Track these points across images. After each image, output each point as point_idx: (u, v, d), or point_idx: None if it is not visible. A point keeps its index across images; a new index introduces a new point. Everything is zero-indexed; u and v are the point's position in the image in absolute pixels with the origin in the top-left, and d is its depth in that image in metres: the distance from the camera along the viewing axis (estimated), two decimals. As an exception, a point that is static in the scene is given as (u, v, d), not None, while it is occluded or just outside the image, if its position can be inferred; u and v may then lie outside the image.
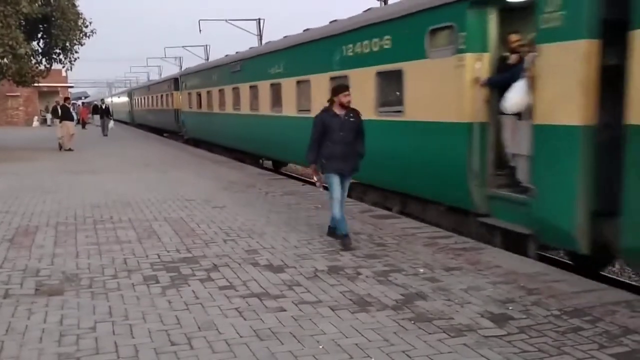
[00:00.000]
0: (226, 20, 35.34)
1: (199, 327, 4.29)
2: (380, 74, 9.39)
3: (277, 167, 17.48)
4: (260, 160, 18.01)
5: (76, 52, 22.66)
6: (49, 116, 43.47)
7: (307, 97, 12.06)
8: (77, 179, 13.01)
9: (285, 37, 14.87)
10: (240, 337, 4.11)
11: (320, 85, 11.28)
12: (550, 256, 7.64)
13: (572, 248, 6.21)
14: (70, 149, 20.79)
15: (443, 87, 7.80)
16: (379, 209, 9.29)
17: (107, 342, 4.03)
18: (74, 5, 21.93)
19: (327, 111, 6.79)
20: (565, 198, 5.98)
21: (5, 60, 19.24)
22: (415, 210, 8.98)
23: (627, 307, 4.63)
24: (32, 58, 21.51)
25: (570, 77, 5.85)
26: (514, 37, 7.22)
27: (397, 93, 8.95)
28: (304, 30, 12.68)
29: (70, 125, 21.82)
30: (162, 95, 31.86)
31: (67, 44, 22.01)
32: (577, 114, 5.80)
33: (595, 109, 5.72)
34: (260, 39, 35.34)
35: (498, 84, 7.16)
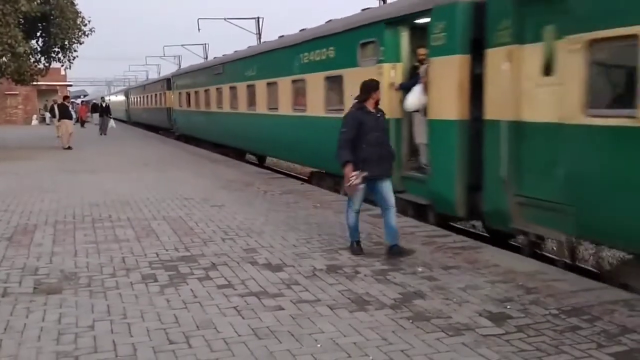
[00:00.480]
0: (225, 19, 35.36)
1: (197, 326, 4.29)
2: (327, 78, 11.07)
3: (260, 161, 18.79)
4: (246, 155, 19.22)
5: (75, 50, 22.61)
6: (47, 115, 43.55)
7: (275, 97, 13.84)
8: (76, 177, 13.00)
9: (267, 42, 16.71)
10: (239, 335, 4.11)
11: (285, 87, 13.25)
12: (546, 255, 7.66)
13: (454, 214, 7.92)
14: (69, 148, 20.77)
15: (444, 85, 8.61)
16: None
17: (106, 340, 4.03)
18: (72, 4, 21.88)
19: (360, 108, 6.17)
20: (448, 176, 7.77)
21: (4, 58, 19.21)
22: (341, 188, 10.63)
23: (626, 306, 4.63)
24: (31, 56, 21.45)
25: (450, 83, 7.65)
26: (421, 51, 8.71)
27: (339, 94, 10.56)
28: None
29: (69, 123, 21.81)
30: (155, 95, 33.57)
31: (66, 43, 21.95)
32: (454, 111, 7.63)
33: (467, 108, 7.51)
34: (259, 38, 35.36)
35: (407, 88, 8.71)
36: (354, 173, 6.02)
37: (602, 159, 5.52)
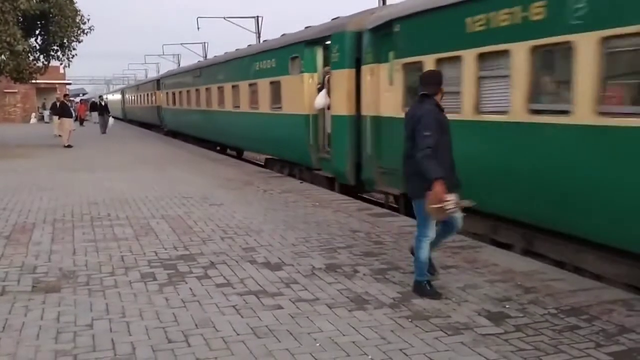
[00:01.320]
0: (224, 18, 35.32)
1: (196, 325, 4.29)
2: (271, 83, 14.09)
3: (239, 154, 20.89)
4: (218, 148, 21.43)
5: (74, 48, 22.59)
6: (46, 113, 43.56)
7: (238, 97, 16.95)
8: (75, 176, 12.99)
9: (232, 52, 19.40)
10: (237, 334, 4.11)
11: (244, 89, 16.28)
12: (542, 254, 7.65)
13: (347, 182, 10.79)
14: (69, 146, 20.76)
15: (296, 94, 12.37)
16: (376, 207, 9.30)
17: (104, 339, 4.03)
18: (72, 2, 21.85)
19: (436, 105, 4.93)
20: (343, 156, 10.59)
21: (2, 56, 19.20)
22: (293, 171, 13.56)
23: (624, 306, 4.64)
24: (29, 54, 21.44)
25: (342, 89, 10.50)
26: (326, 68, 11.50)
27: (279, 96, 13.57)
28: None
29: (68, 122, 21.80)
30: (147, 94, 36.26)
31: (65, 41, 21.93)
32: (345, 109, 10.46)
33: (354, 107, 10.30)
34: (259, 37, 35.33)
35: (328, 94, 11.26)
36: (450, 197, 4.64)
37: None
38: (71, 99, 35.47)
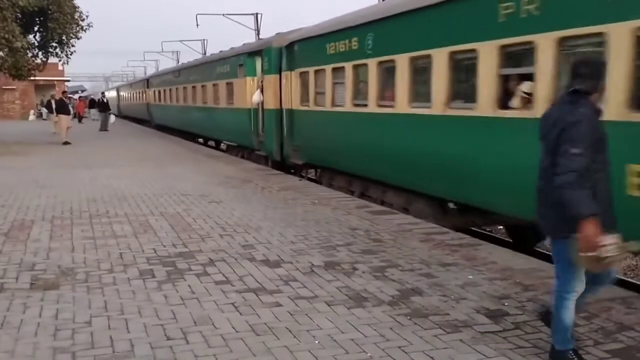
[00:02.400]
0: (224, 15, 35.24)
1: (194, 322, 4.28)
2: (227, 84, 18.08)
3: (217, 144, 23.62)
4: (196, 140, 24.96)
5: (73, 45, 22.59)
6: (44, 110, 43.50)
7: (205, 95, 20.90)
8: (74, 173, 12.97)
9: (200, 58, 26.97)
10: (236, 332, 4.11)
11: (210, 89, 20.31)
12: (542, 251, 7.67)
13: (275, 159, 14.11)
14: (67, 143, 20.74)
15: (243, 93, 16.19)
16: (374, 205, 9.29)
17: (103, 336, 4.03)
18: (70, -1, 21.84)
19: (594, 109, 3.50)
20: (271, 139, 14.01)
21: (1, 53, 19.15)
22: (240, 153, 17.57)
23: (623, 304, 4.64)
24: (28, 51, 21.41)
25: (271, 89, 14.00)
26: (260, 76, 15.21)
27: (232, 94, 17.51)
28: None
29: (66, 119, 21.77)
30: (139, 92, 40.53)
31: (64, 38, 21.91)
32: (273, 105, 13.94)
33: (278, 103, 13.74)
34: (258, 34, 35.27)
35: (261, 92, 14.74)
36: (609, 239, 3.26)
37: (306, 127, 12.48)
38: (70, 95, 35.41)
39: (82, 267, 5.70)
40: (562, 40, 5.91)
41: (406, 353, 3.78)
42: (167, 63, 65.23)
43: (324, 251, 6.27)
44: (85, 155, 17.02)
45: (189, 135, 24.83)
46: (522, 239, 8.58)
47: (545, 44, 6.04)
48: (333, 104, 11.05)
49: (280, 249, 6.38)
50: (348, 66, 10.31)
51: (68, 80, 53.03)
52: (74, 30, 22.03)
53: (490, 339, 4.00)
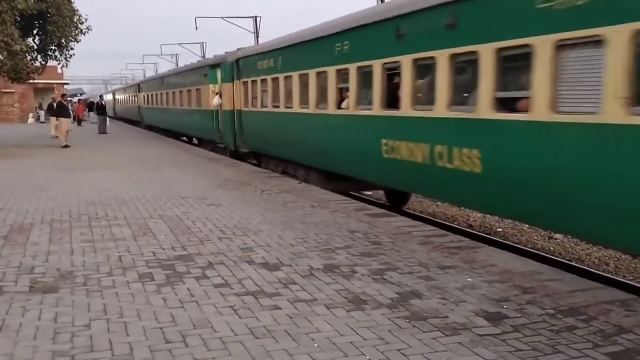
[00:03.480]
0: (223, 18, 35.29)
1: (193, 325, 4.28)
2: (197, 89, 21.84)
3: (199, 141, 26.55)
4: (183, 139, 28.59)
5: (72, 48, 22.60)
6: (42, 113, 43.53)
7: (182, 99, 24.98)
8: (73, 176, 12.97)
9: (175, 68, 34.78)
10: (235, 335, 4.11)
11: (185, 93, 24.29)
12: (541, 254, 7.69)
13: (230, 149, 17.54)
14: (66, 146, 20.74)
15: (207, 97, 19.82)
16: (373, 207, 9.30)
17: (102, 339, 4.02)
18: (69, 2, 21.84)
19: None
20: (228, 134, 17.54)
21: (0, 56, 19.13)
22: (207, 145, 21.12)
23: (622, 306, 4.64)
24: (27, 54, 21.40)
25: (227, 94, 17.56)
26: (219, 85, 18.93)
27: (200, 98, 21.25)
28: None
29: (66, 122, 21.77)
30: (131, 95, 44.49)
31: (63, 41, 21.92)
32: (229, 106, 17.38)
33: (233, 105, 17.04)
34: (257, 37, 35.30)
35: (220, 97, 18.39)
36: None
37: (248, 124, 15.90)
38: (69, 98, 35.51)
39: (81, 270, 5.70)
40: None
41: (405, 356, 3.78)
42: (167, 66, 65.35)
43: (323, 254, 6.27)
44: (84, 158, 17.02)
45: (173, 134, 28.43)
46: (395, 201, 12.26)
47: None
48: (261, 106, 14.96)
49: (279, 251, 6.38)
50: (269, 78, 14.21)
51: (67, 83, 53.02)
52: (73, 34, 22.04)
53: (490, 341, 4.00)
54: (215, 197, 9.93)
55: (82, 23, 22.43)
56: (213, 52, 29.05)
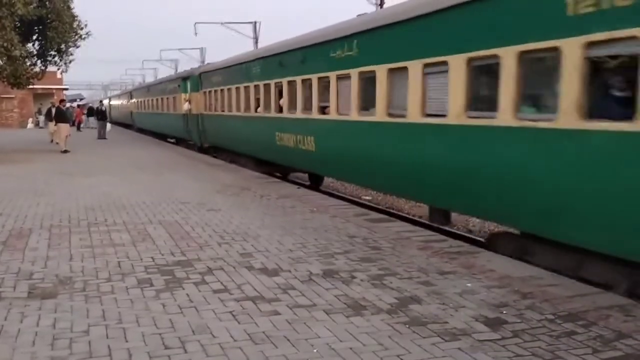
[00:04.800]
0: (222, 23, 35.38)
1: (193, 331, 4.28)
2: (173, 97, 26.13)
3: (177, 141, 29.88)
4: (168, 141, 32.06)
5: (71, 54, 22.66)
6: (41, 118, 43.56)
7: (162, 105, 29.39)
8: (72, 181, 12.97)
9: (158, 79, 42.56)
10: (234, 340, 4.10)
11: (164, 100, 28.76)
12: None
13: (197, 145, 22.60)
14: (66, 151, 20.75)
15: (180, 103, 24.21)
16: (373, 213, 9.29)
17: (101, 345, 4.02)
18: (69, 8, 21.91)
19: None
20: (196, 133, 22.27)
21: (0, 61, 19.16)
22: (184, 143, 25.31)
23: (621, 312, 4.64)
24: (27, 60, 21.44)
25: (195, 101, 22.27)
26: (187, 94, 23.73)
27: (175, 105, 25.78)
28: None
29: (65, 127, 21.79)
30: (125, 101, 49.75)
31: (62, 46, 21.97)
32: (196, 110, 21.97)
33: (198, 110, 21.82)
34: (256, 42, 35.38)
35: (189, 103, 23.18)
36: None
37: (207, 124, 20.67)
38: (68, 104, 35.67)
39: (80, 275, 5.69)
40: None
41: (405, 362, 3.78)
42: (166, 71, 65.44)
43: (323, 259, 6.26)
44: (83, 163, 17.02)
45: (158, 135, 32.31)
46: (315, 182, 15.02)
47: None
48: (215, 111, 19.58)
49: (278, 257, 6.37)
50: (219, 90, 19.02)
51: (66, 89, 53.12)
52: (73, 39, 22.10)
53: (489, 347, 4.00)
54: (214, 202, 9.93)
55: (81, 29, 22.50)
56: (213, 57, 30.92)
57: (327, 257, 6.37)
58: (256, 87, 15.05)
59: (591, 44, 5.35)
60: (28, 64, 21.87)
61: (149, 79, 64.03)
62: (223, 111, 18.37)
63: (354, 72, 9.91)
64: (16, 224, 8.21)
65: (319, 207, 9.58)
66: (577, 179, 5.66)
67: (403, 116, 8.47)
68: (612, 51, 5.29)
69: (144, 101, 36.56)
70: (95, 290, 5.24)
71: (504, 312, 4.66)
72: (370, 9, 23.16)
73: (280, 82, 13.25)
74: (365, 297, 5.02)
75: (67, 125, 22.51)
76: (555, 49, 5.73)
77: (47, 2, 21.03)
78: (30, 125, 46.46)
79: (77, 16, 22.36)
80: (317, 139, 11.51)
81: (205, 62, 42.68)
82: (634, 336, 4.16)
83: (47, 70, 23.99)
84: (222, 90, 18.51)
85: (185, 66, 42.48)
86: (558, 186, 5.86)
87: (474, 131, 7.04)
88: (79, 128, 38.83)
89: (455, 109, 7.28)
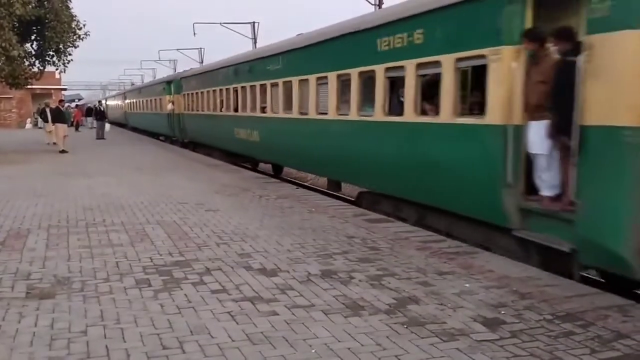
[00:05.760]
0: (221, 24, 35.39)
1: (191, 331, 4.27)
2: (160, 99, 29.72)
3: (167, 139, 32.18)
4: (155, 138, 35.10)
5: (70, 54, 22.58)
6: (39, 118, 43.47)
7: (150, 105, 33.03)
8: (70, 181, 12.95)
9: (144, 82, 52.69)
10: (233, 341, 4.10)
11: (152, 101, 32.58)
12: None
13: (179, 140, 26.32)
14: (64, 151, 20.72)
15: (165, 104, 27.98)
16: (371, 213, 9.29)
17: (99, 346, 4.01)
18: (67, 7, 21.86)
19: None
20: (178, 130, 26.17)
21: (-2, 62, 19.13)
22: (169, 139, 28.74)
23: (619, 312, 4.65)
24: (25, 60, 21.40)
25: (177, 102, 26.11)
26: (171, 97, 27.66)
27: (161, 106, 29.52)
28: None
29: (62, 127, 21.76)
30: (120, 102, 53.45)
31: (61, 46, 21.91)
32: (178, 110, 25.81)
33: (181, 109, 25.35)
34: (255, 42, 35.39)
35: (173, 104, 27.05)
36: None
37: (186, 122, 24.49)
38: (67, 104, 35.65)
39: (78, 276, 5.68)
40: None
41: (403, 362, 3.78)
42: (165, 71, 65.47)
43: (321, 260, 6.26)
44: (81, 164, 17.01)
45: (148, 134, 35.04)
46: (275, 171, 18.13)
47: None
48: (191, 110, 23.35)
49: (277, 257, 6.37)
50: (192, 92, 22.91)
51: (65, 89, 53.06)
52: (71, 39, 22.04)
53: (487, 347, 4.00)
54: (213, 203, 9.92)
55: (80, 29, 22.44)
56: (211, 57, 31.58)
57: (325, 257, 6.36)
58: (220, 91, 18.83)
59: (388, 69, 8.94)
60: (26, 64, 21.83)
61: (148, 79, 64.46)
62: (198, 111, 22.04)
63: (280, 81, 13.44)
64: (14, 225, 8.20)
65: (317, 207, 9.58)
66: (386, 152, 9.04)
67: (307, 114, 11.94)
68: (397, 73, 8.77)
69: (136, 102, 40.54)
70: (94, 290, 5.23)
71: (503, 312, 4.67)
72: (370, 9, 23.27)
73: (236, 87, 17.11)
74: (364, 298, 5.02)
75: (65, 125, 22.47)
76: (373, 71, 9.29)
77: (45, 2, 20.98)
78: (28, 125, 46.42)
79: (75, 16, 22.31)
80: (260, 133, 15.16)
81: (204, 63, 43.14)
82: (633, 336, 4.16)
83: (45, 70, 23.94)
84: (196, 93, 22.18)
85: (184, 66, 43.52)
86: (376, 156, 9.35)
87: (340, 124, 10.64)
88: (77, 128, 38.78)
89: (332, 109, 10.86)
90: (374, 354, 3.88)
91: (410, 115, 8.37)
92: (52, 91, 45.06)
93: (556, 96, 5.87)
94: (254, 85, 15.21)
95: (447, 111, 7.54)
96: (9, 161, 17.92)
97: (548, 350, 3.94)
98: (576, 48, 5.74)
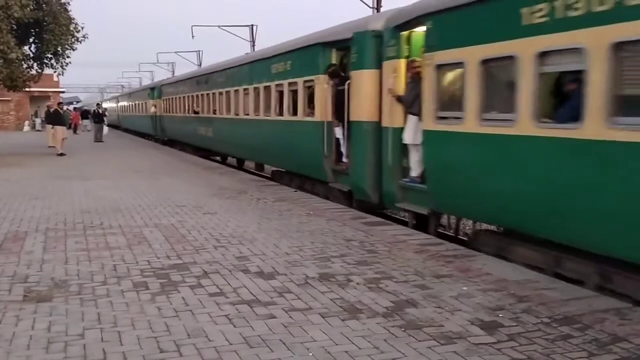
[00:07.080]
0: (219, 27, 35.44)
1: (188, 334, 4.27)
2: (145, 102, 36.08)
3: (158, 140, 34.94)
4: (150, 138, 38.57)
5: (68, 56, 22.54)
6: (38, 121, 43.54)
7: (139, 108, 38.74)
8: (68, 184, 12.93)
9: (134, 88, 60.78)
10: (230, 344, 4.09)
11: (142, 104, 37.68)
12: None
13: (161, 138, 30.94)
14: (62, 154, 20.70)
15: (149, 107, 33.43)
16: (369, 216, 9.29)
17: (96, 349, 4.00)
18: (66, 10, 21.83)
19: None
20: (160, 129, 31.34)
21: (-4, 64, 19.12)
22: (152, 138, 33.59)
23: (617, 315, 4.65)
24: (23, 63, 21.38)
25: (159, 106, 31.48)
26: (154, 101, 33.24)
27: (145, 109, 35.87)
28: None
29: (61, 130, 21.73)
30: (113, 105, 58.76)
31: (59, 49, 21.88)
32: (159, 112, 31.23)
33: (160, 112, 31.27)
34: (253, 45, 35.43)
35: (155, 107, 32.56)
36: None
37: (165, 122, 29.64)
38: (65, 107, 35.69)
39: (76, 279, 5.67)
40: None
41: (400, 365, 3.77)
42: (163, 74, 65.55)
43: (319, 262, 6.26)
44: (79, 167, 16.99)
45: (137, 134, 38.71)
46: (239, 164, 21.09)
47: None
48: (167, 112, 28.24)
49: (274, 260, 6.37)
50: (169, 98, 27.82)
51: (63, 92, 53.08)
52: (69, 42, 22.00)
53: (485, 350, 4.00)
54: (210, 206, 9.92)
55: (78, 31, 22.40)
56: (209, 60, 33.52)
57: (323, 260, 6.36)
58: (188, 97, 24.06)
59: (277, 85, 13.31)
60: (24, 66, 21.82)
61: (146, 82, 65.00)
62: (173, 113, 27.30)
63: (223, 90, 18.29)
64: (12, 227, 8.19)
65: (315, 210, 9.59)
66: (275, 140, 13.76)
67: (238, 115, 16.49)
68: (280, 88, 13.23)
69: (127, 105, 46.44)
70: (91, 293, 5.22)
71: (500, 315, 4.67)
72: (368, 12, 23.31)
73: (197, 94, 22.28)
74: (361, 301, 5.02)
75: (64, 128, 22.45)
76: (269, 86, 13.79)
77: (43, 5, 20.96)
78: (26, 128, 46.40)
79: (73, 19, 22.27)
80: (212, 130, 19.91)
81: (202, 65, 43.40)
82: (630, 339, 4.17)
83: (43, 73, 23.91)
84: (172, 98, 27.62)
85: (182, 69, 45.78)
86: (270, 143, 14.12)
87: (255, 122, 15.17)
88: (75, 131, 38.77)
89: (251, 111, 15.53)
90: (371, 357, 3.88)
91: (285, 115, 13.02)
92: (50, 94, 45.05)
93: (338, 106, 10.43)
94: (208, 93, 20.56)
95: (300, 112, 12.19)
96: (6, 164, 17.89)
97: (545, 354, 3.94)
98: (344, 79, 10.20)
